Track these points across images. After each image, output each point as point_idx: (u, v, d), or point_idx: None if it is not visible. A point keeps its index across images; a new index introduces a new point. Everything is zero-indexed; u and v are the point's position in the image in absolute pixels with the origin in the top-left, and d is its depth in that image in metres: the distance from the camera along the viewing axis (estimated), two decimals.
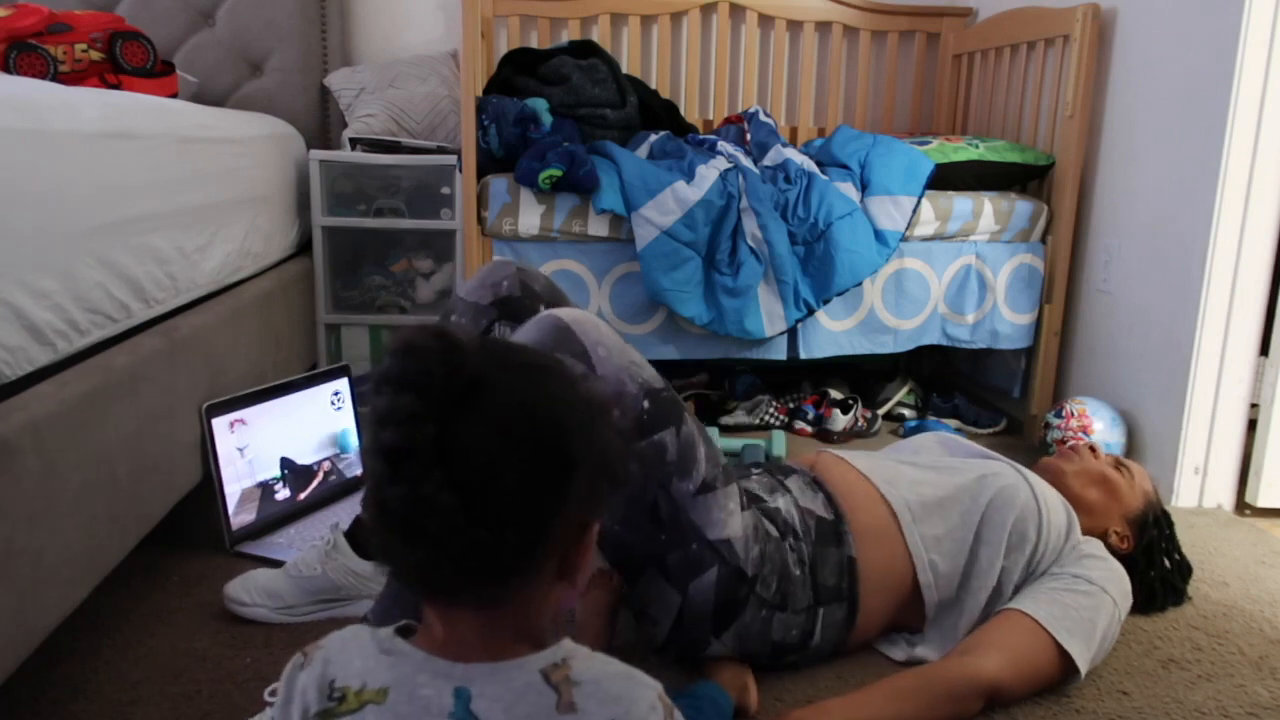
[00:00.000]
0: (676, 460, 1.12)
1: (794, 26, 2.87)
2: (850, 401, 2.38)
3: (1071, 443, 1.81)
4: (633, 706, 0.65)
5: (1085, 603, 1.25)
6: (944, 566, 1.29)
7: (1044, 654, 1.21)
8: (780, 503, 1.28)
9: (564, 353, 1.08)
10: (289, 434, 1.73)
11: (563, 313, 1.12)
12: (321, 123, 2.70)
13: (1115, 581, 1.30)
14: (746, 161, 2.27)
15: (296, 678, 0.68)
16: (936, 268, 2.27)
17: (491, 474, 0.60)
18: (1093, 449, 1.52)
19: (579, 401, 0.66)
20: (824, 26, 2.88)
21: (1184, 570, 1.52)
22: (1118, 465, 1.50)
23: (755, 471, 1.37)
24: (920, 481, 1.35)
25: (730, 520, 1.17)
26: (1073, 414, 2.08)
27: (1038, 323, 2.35)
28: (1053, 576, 1.29)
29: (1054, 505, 1.34)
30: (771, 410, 2.41)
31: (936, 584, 1.29)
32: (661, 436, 1.11)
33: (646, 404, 1.11)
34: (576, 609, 1.29)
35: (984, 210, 2.26)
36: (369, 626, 0.70)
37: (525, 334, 1.12)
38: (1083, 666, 1.22)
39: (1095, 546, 1.35)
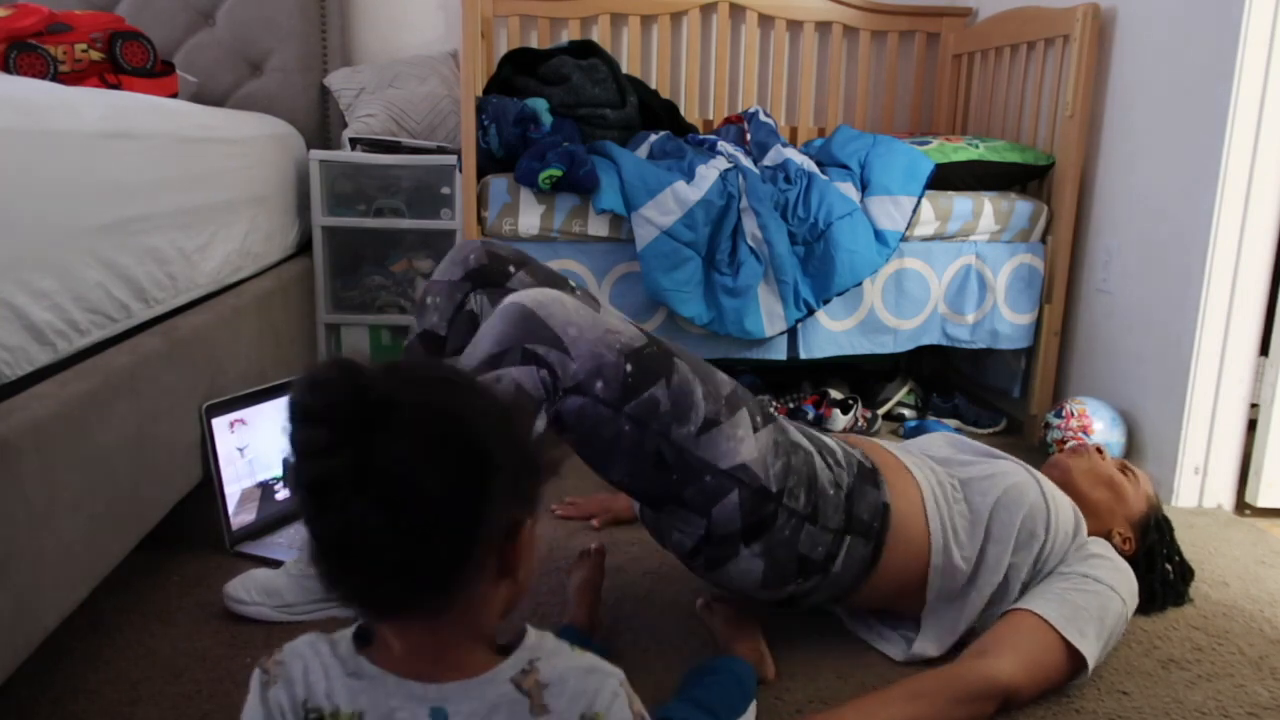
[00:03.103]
0: (671, 409, 1.13)
1: (794, 26, 2.87)
2: (850, 401, 2.38)
3: (1076, 444, 1.81)
4: (596, 698, 0.68)
5: (1094, 602, 1.25)
6: (957, 558, 1.29)
7: (1056, 655, 1.21)
8: (827, 439, 1.31)
9: (534, 340, 1.08)
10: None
11: (525, 298, 1.11)
12: (321, 123, 2.70)
13: (1123, 581, 1.31)
14: (746, 161, 2.27)
15: (269, 696, 0.69)
16: (936, 268, 2.27)
17: (413, 487, 0.61)
18: (1099, 450, 1.52)
19: (488, 406, 0.68)
20: (824, 26, 2.88)
21: (1185, 573, 1.52)
22: (1123, 469, 1.50)
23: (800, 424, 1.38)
24: (938, 471, 1.36)
25: (741, 446, 1.17)
26: (1073, 414, 2.08)
27: (1038, 323, 2.35)
28: (1061, 576, 1.29)
29: (1062, 505, 1.34)
30: (771, 410, 2.40)
31: (943, 570, 1.29)
32: (652, 392, 1.12)
33: (629, 366, 1.11)
34: (567, 585, 1.40)
35: (984, 210, 2.26)
36: (326, 638, 0.70)
37: (492, 325, 1.11)
38: (1092, 665, 1.22)
39: (1102, 546, 1.36)
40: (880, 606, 1.36)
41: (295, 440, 0.64)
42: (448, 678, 0.67)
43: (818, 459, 1.25)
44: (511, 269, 1.38)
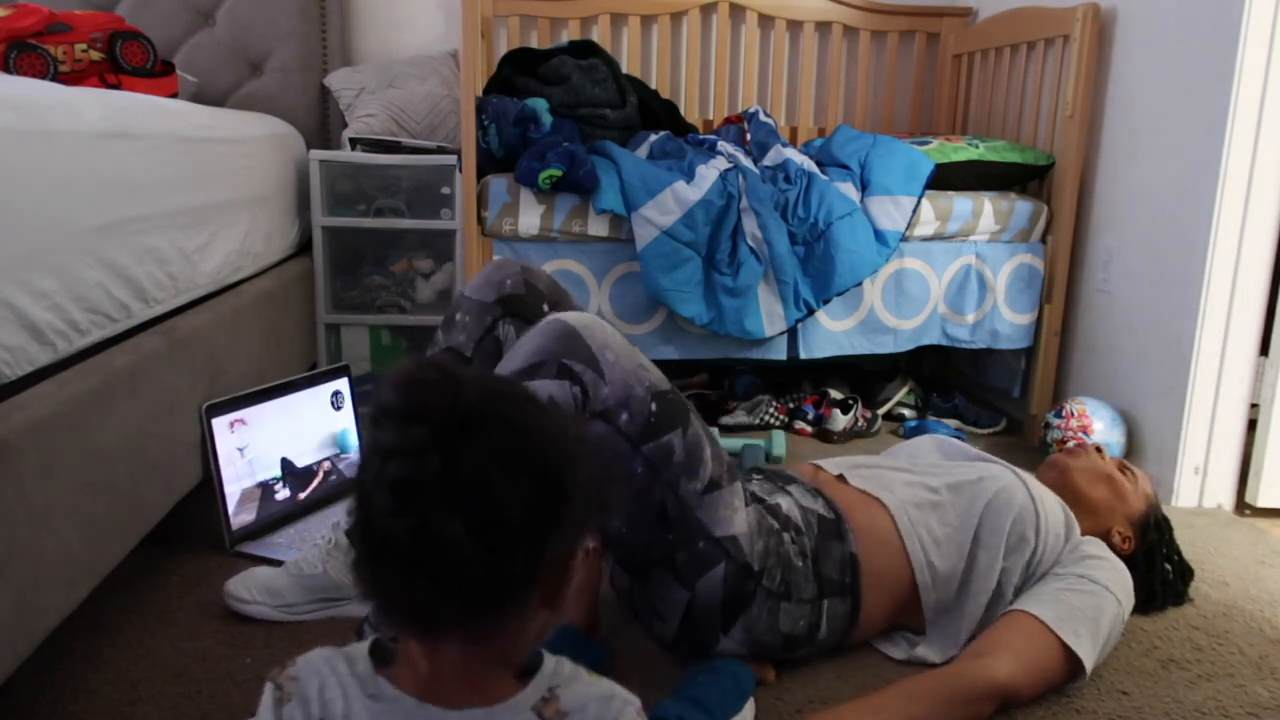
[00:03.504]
0: (684, 460, 1.13)
1: (794, 26, 2.87)
2: (850, 401, 2.38)
3: (1075, 443, 1.81)
4: None
5: (1089, 602, 1.25)
6: (942, 568, 1.29)
7: (1052, 656, 1.21)
8: (781, 501, 1.29)
9: (571, 357, 1.08)
10: (289, 434, 1.73)
11: (570, 317, 1.12)
12: (321, 123, 2.70)
13: (1118, 581, 1.30)
14: (746, 161, 2.27)
15: (283, 713, 0.68)
16: (936, 268, 2.27)
17: (496, 503, 0.61)
18: (1098, 450, 1.52)
19: (567, 434, 0.67)
20: (824, 26, 2.88)
21: (1185, 573, 1.52)
22: (1122, 468, 1.50)
23: (756, 477, 1.38)
24: (915, 485, 1.35)
25: (735, 517, 1.17)
26: (1073, 414, 2.08)
27: (1038, 323, 2.35)
28: (1056, 577, 1.29)
29: (1051, 506, 1.34)
30: (771, 410, 2.41)
31: (934, 585, 1.30)
32: (669, 438, 1.12)
33: (654, 406, 1.11)
34: None
35: (984, 210, 2.26)
36: (343, 655, 0.69)
37: (532, 339, 1.11)
38: (1089, 666, 1.22)
39: (1097, 546, 1.35)
40: (886, 625, 1.36)
41: (384, 437, 0.62)
42: (468, 703, 0.66)
43: (784, 535, 1.24)
44: (546, 307, 1.36)
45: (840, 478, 1.39)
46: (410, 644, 0.67)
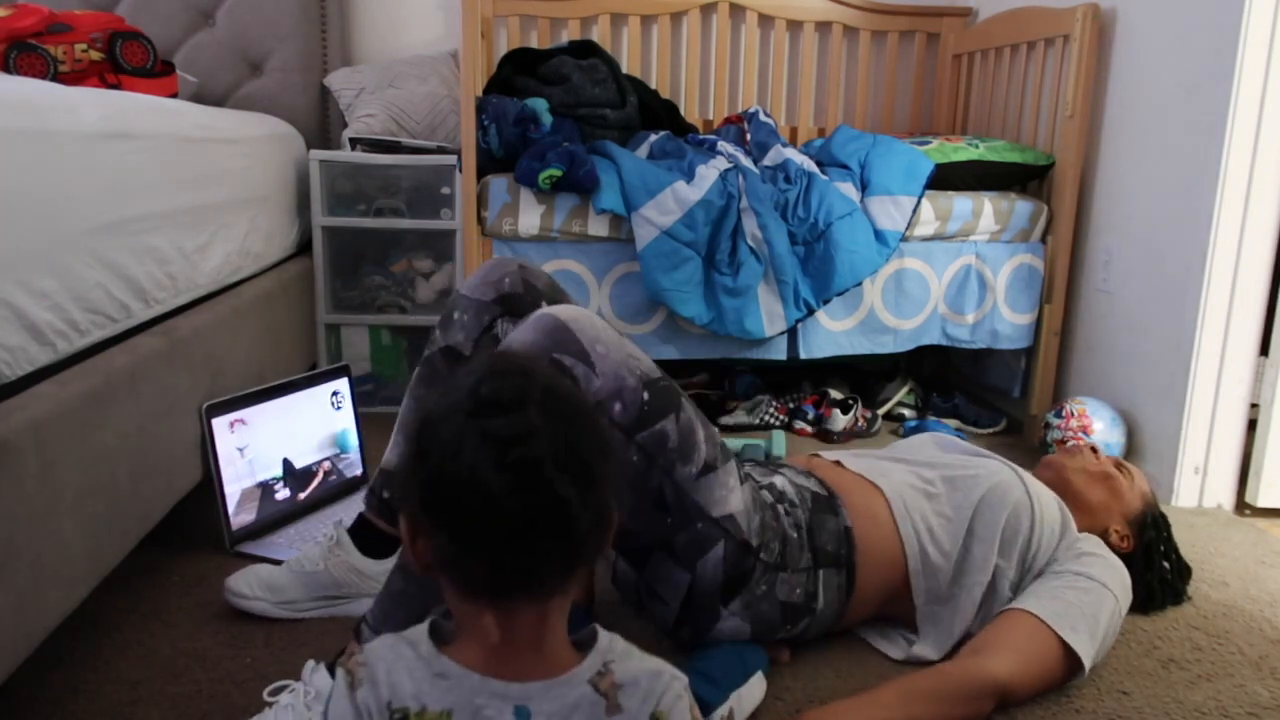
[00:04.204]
0: (678, 446, 1.13)
1: (794, 26, 2.87)
2: (850, 401, 2.38)
3: (1072, 443, 1.81)
4: (663, 698, 0.73)
5: (1087, 599, 1.25)
6: (934, 556, 1.30)
7: (1051, 653, 1.21)
8: (774, 479, 1.31)
9: (563, 352, 1.09)
10: (289, 434, 1.73)
11: (560, 311, 1.12)
12: (321, 123, 2.70)
13: (1116, 578, 1.30)
14: (746, 161, 2.27)
15: (357, 697, 0.71)
16: (936, 268, 2.27)
17: (588, 467, 0.68)
18: (1094, 450, 1.52)
19: (602, 424, 0.76)
20: (824, 26, 2.88)
21: (1183, 572, 1.52)
22: (1118, 466, 1.51)
23: (748, 463, 1.39)
24: (911, 474, 1.37)
25: (731, 496, 1.18)
26: (1073, 414, 2.08)
27: (1038, 323, 2.35)
28: (1054, 575, 1.30)
29: (1047, 502, 1.34)
30: (771, 410, 2.41)
31: (924, 571, 1.30)
32: (663, 425, 1.12)
33: (646, 395, 1.12)
34: None
35: (984, 210, 2.26)
36: (405, 640, 0.73)
37: (523, 333, 1.11)
38: (1087, 664, 1.22)
39: (1094, 544, 1.36)
40: (874, 617, 1.37)
41: (494, 426, 0.67)
42: (530, 676, 0.70)
43: (779, 509, 1.26)
44: (544, 304, 1.35)
45: (837, 463, 1.41)
46: (482, 617, 0.70)
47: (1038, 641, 1.21)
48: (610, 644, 0.75)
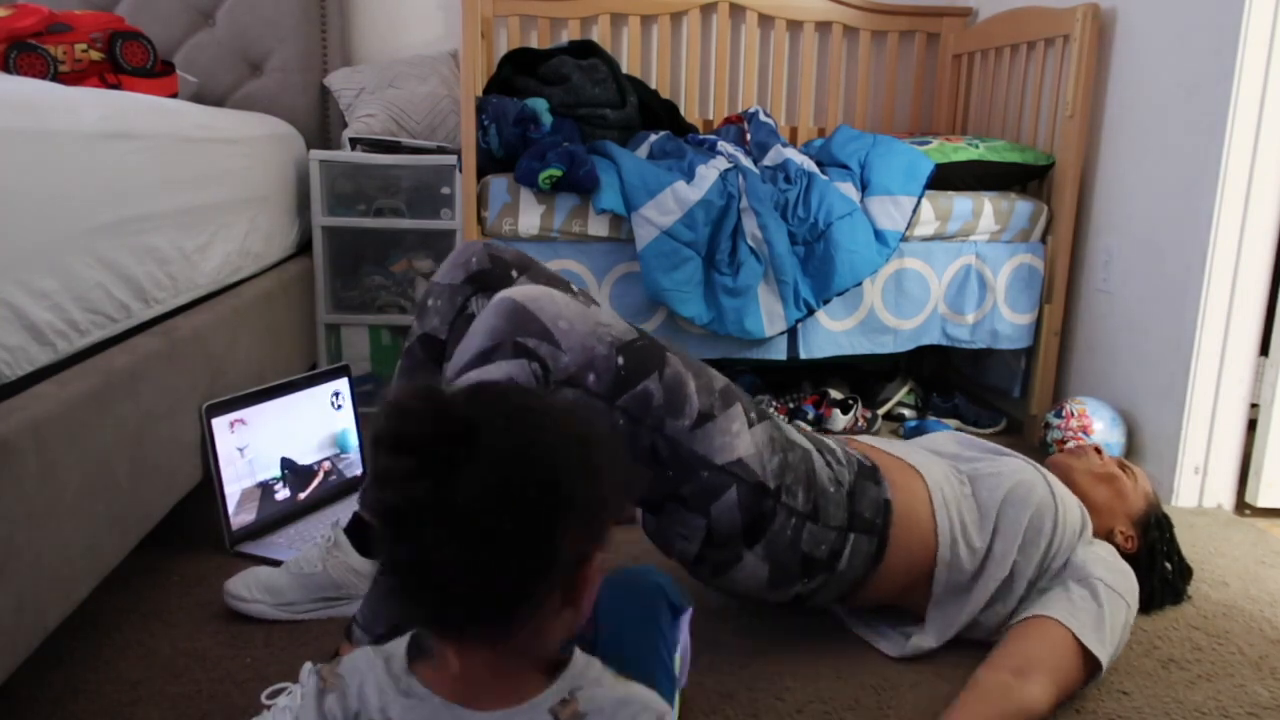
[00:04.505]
0: (664, 403, 1.13)
1: (794, 26, 2.87)
2: (850, 401, 2.38)
3: (1075, 444, 1.81)
4: None
5: (1109, 611, 1.25)
6: (964, 552, 1.30)
7: (1080, 668, 1.22)
8: (828, 439, 1.32)
9: (524, 334, 1.08)
10: (289, 434, 1.73)
11: (517, 293, 1.11)
12: (321, 123, 2.70)
13: (1131, 589, 1.31)
14: (746, 161, 2.27)
15: (324, 701, 0.71)
16: (936, 268, 2.27)
17: (488, 523, 0.63)
18: (1098, 450, 1.52)
19: (572, 439, 0.68)
20: (824, 26, 2.88)
21: (1184, 573, 1.52)
22: (1121, 466, 1.51)
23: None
24: (949, 466, 1.37)
25: (737, 441, 1.17)
26: (1073, 414, 2.08)
27: (1038, 323, 2.35)
28: (1081, 582, 1.29)
29: (1069, 504, 1.34)
30: (771, 410, 2.40)
31: (951, 565, 1.30)
32: (645, 385, 1.12)
33: (621, 359, 1.11)
34: None
35: (984, 210, 2.26)
36: (382, 654, 0.72)
37: (484, 320, 1.11)
38: (1102, 673, 1.23)
39: (1109, 551, 1.36)
40: (886, 602, 1.36)
41: (377, 467, 0.64)
42: (492, 705, 0.69)
43: (816, 457, 1.25)
44: (514, 274, 1.38)
45: (874, 447, 1.40)
46: (442, 645, 0.70)
47: (1071, 660, 1.21)
48: (584, 669, 0.72)
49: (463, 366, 1.09)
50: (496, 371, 1.06)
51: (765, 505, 1.19)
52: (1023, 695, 1.18)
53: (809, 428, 2.35)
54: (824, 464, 1.25)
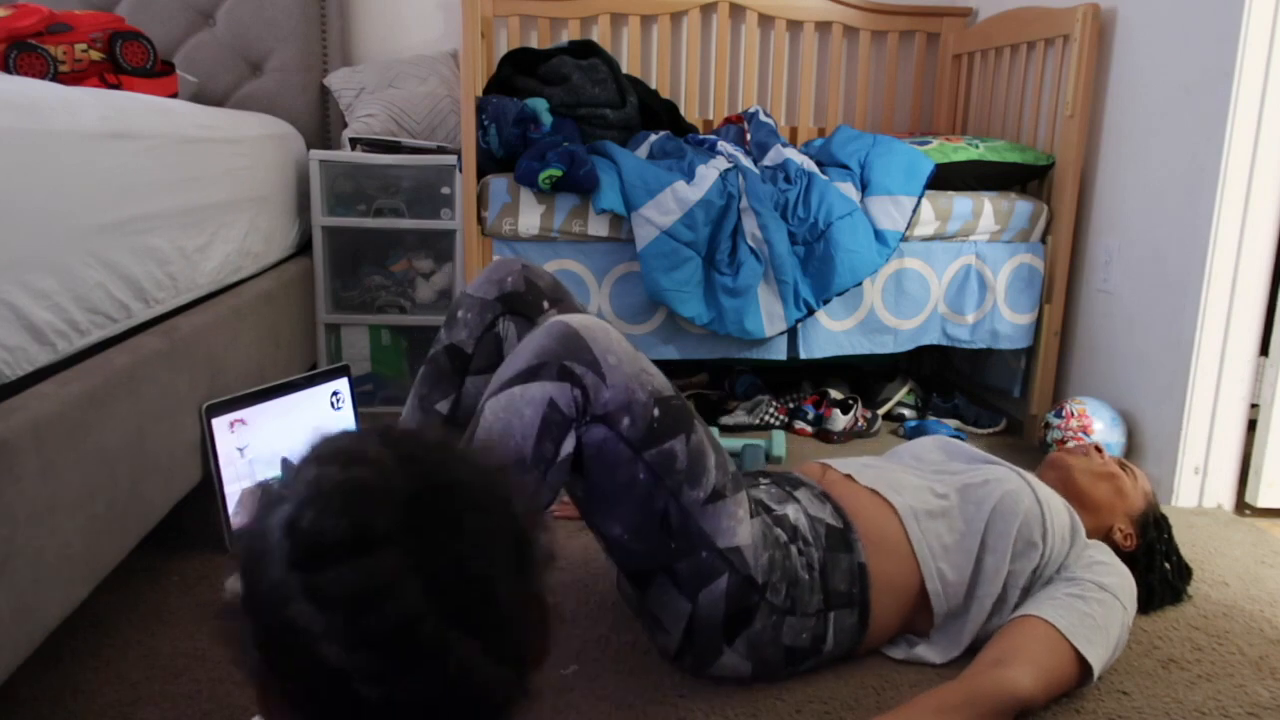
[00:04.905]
0: (687, 468, 1.12)
1: (794, 26, 2.87)
2: (850, 401, 2.38)
3: (1075, 443, 1.81)
4: None
5: (1100, 610, 1.25)
6: (952, 576, 1.29)
7: (1068, 664, 1.21)
8: (789, 510, 1.28)
9: (573, 360, 1.08)
10: (289, 434, 1.73)
11: (573, 319, 1.12)
12: (321, 123, 2.70)
13: (1125, 588, 1.31)
14: (746, 161, 2.27)
15: None
16: (936, 268, 2.27)
17: (487, 595, 0.52)
18: (1098, 449, 1.52)
19: (502, 485, 0.57)
20: (824, 26, 2.88)
21: (1183, 573, 1.52)
22: (1121, 466, 1.51)
23: (764, 481, 1.36)
24: (923, 489, 1.35)
25: (740, 528, 1.17)
26: (1073, 414, 2.08)
27: (1038, 323, 2.35)
28: (1068, 582, 1.29)
29: (1057, 509, 1.33)
30: (771, 410, 2.41)
31: (945, 592, 1.29)
32: (671, 445, 1.11)
33: (657, 411, 1.11)
34: None
35: (984, 210, 2.26)
36: None
37: (534, 339, 1.11)
38: (1097, 674, 1.23)
39: (1104, 552, 1.36)
40: (895, 633, 1.35)
41: (327, 583, 0.47)
42: None
43: (792, 549, 1.24)
44: (546, 304, 1.37)
45: (848, 477, 1.38)
46: None
47: (1057, 654, 1.21)
48: None
49: (506, 381, 1.09)
50: (538, 390, 1.06)
51: (750, 600, 1.18)
52: (1001, 676, 1.18)
53: (809, 428, 2.36)
54: (796, 553, 1.23)
